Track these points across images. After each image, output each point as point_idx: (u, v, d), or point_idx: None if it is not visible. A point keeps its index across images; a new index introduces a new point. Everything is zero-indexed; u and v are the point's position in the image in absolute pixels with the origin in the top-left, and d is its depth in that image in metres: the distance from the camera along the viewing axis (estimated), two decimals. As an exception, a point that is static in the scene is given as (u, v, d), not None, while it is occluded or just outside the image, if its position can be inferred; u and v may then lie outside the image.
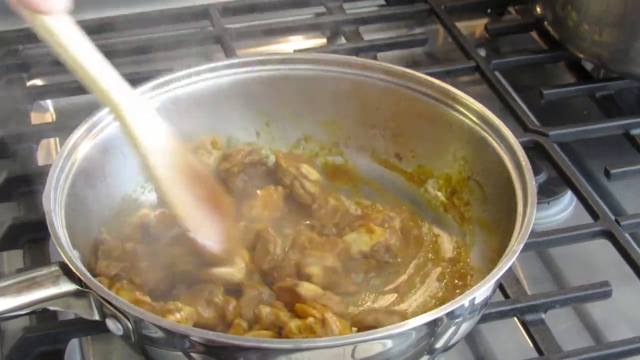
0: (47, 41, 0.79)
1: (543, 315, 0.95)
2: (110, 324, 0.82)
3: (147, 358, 0.86)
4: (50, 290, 0.83)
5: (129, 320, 0.80)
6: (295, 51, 1.32)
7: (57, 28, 0.78)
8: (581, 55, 1.30)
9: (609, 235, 1.03)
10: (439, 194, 1.06)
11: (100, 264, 0.92)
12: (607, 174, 1.12)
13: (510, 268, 0.87)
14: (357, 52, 1.31)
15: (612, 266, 1.03)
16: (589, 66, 1.34)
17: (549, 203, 1.15)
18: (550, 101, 1.27)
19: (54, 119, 1.30)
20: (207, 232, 0.89)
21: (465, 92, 1.03)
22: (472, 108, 1.02)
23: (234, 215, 0.94)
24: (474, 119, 1.01)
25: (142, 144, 0.85)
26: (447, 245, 1.03)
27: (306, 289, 0.90)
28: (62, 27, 0.78)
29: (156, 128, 0.86)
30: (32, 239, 1.03)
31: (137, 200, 1.03)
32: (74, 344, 0.96)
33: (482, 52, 1.41)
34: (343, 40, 1.40)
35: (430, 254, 1.02)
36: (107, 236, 0.96)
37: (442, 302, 0.95)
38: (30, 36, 1.30)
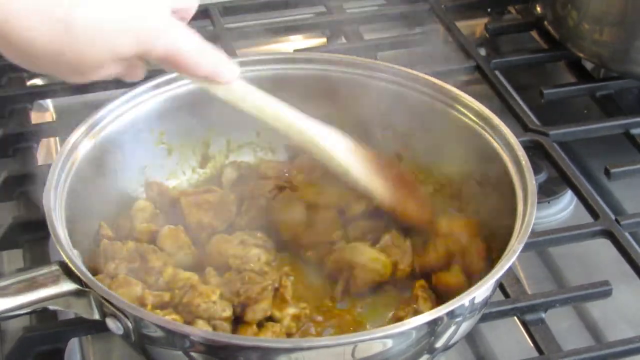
0: (230, 102, 0.91)
1: (543, 315, 0.95)
2: (110, 323, 0.82)
3: (147, 357, 0.86)
4: (50, 289, 0.83)
5: (128, 319, 0.80)
6: (295, 51, 1.31)
7: (237, 91, 0.91)
8: (581, 55, 1.30)
9: (609, 234, 1.03)
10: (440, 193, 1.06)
11: (108, 266, 0.92)
12: (607, 173, 1.12)
13: (510, 267, 0.87)
14: (357, 51, 1.31)
15: (612, 265, 1.03)
16: (589, 65, 1.34)
17: (549, 202, 1.15)
18: (550, 100, 1.27)
19: (54, 118, 1.30)
20: (406, 206, 0.99)
21: (466, 92, 1.03)
22: (472, 107, 1.02)
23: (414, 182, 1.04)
24: (474, 118, 1.01)
25: (339, 160, 0.96)
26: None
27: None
28: (240, 88, 0.91)
29: (342, 141, 0.97)
30: (32, 238, 1.03)
31: (137, 199, 1.03)
32: (74, 343, 0.96)
33: (482, 52, 1.41)
34: (343, 39, 1.40)
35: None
36: (108, 231, 0.97)
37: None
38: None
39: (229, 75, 0.87)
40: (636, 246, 1.02)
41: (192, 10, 0.85)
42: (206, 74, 0.85)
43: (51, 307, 0.84)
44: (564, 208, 1.15)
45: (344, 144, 0.97)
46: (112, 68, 0.80)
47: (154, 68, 1.02)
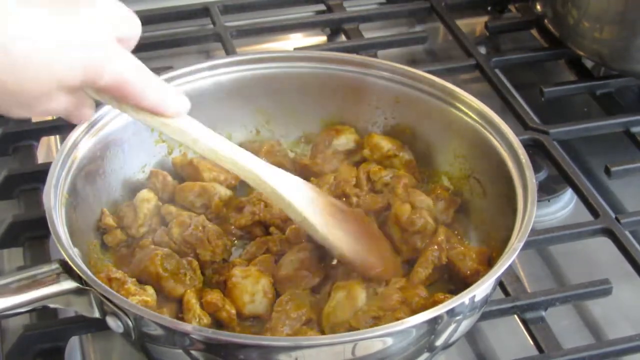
0: (173, 137, 0.86)
1: (543, 313, 0.95)
2: (111, 321, 0.82)
3: (147, 355, 0.86)
4: (51, 287, 0.83)
5: (129, 317, 0.80)
6: (295, 49, 1.31)
7: (182, 125, 0.85)
8: (581, 53, 1.30)
9: (609, 232, 1.03)
10: (440, 192, 1.05)
11: (115, 275, 0.90)
12: (607, 171, 1.12)
13: (510, 266, 0.87)
14: (357, 49, 1.31)
15: (612, 264, 1.03)
16: (589, 64, 1.34)
17: (549, 201, 1.15)
18: (550, 99, 1.27)
19: (54, 117, 1.30)
20: (367, 260, 0.93)
21: (466, 90, 1.03)
22: (472, 106, 1.02)
23: (382, 237, 0.98)
24: (474, 116, 1.01)
25: (295, 207, 0.90)
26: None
27: None
28: (185, 124, 0.85)
29: (297, 186, 0.92)
30: (32, 236, 1.03)
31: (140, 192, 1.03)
32: (74, 342, 0.96)
33: (483, 50, 1.41)
34: (343, 38, 1.40)
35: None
36: (110, 219, 0.98)
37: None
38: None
39: (176, 108, 0.83)
40: (636, 244, 1.02)
41: (136, 39, 0.82)
42: (152, 105, 0.81)
43: (51, 306, 0.84)
44: (564, 206, 1.15)
45: (302, 192, 0.92)
46: (58, 100, 0.76)
47: (155, 66, 1.03)
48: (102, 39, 0.76)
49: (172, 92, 0.83)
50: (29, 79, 0.72)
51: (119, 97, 0.80)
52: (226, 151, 0.88)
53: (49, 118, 1.29)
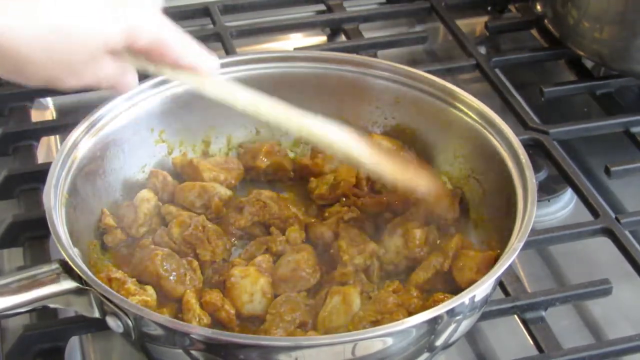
0: (212, 94, 0.90)
1: (543, 313, 0.95)
2: (111, 321, 0.82)
3: (148, 355, 0.86)
4: (51, 287, 0.83)
5: (129, 317, 0.80)
6: (295, 49, 1.31)
7: (220, 82, 0.91)
8: (581, 53, 1.30)
9: (609, 232, 1.03)
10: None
11: (116, 275, 0.90)
12: (607, 171, 1.12)
13: (510, 266, 0.87)
14: (357, 49, 1.31)
15: (612, 264, 1.03)
16: (589, 64, 1.34)
17: (549, 201, 1.15)
18: (550, 99, 1.27)
19: (54, 117, 1.30)
20: (418, 183, 0.98)
21: (466, 90, 1.03)
22: (472, 106, 1.02)
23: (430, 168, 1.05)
24: (474, 116, 1.01)
25: (341, 144, 0.92)
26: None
27: None
28: (223, 80, 0.92)
29: (336, 127, 0.94)
30: (32, 236, 1.03)
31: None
32: (74, 342, 0.96)
33: (483, 50, 1.41)
34: (343, 38, 1.40)
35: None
36: (110, 220, 0.98)
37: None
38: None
39: (211, 65, 0.88)
40: (636, 244, 1.02)
41: (162, 4, 0.85)
42: (190, 64, 0.85)
43: (51, 305, 0.84)
44: (564, 206, 1.15)
45: (344, 133, 0.94)
46: (105, 65, 0.80)
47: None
48: (139, 1, 0.80)
49: (204, 50, 0.87)
50: (78, 44, 0.76)
51: (157, 58, 0.83)
52: (267, 104, 0.91)
53: (49, 118, 1.29)
